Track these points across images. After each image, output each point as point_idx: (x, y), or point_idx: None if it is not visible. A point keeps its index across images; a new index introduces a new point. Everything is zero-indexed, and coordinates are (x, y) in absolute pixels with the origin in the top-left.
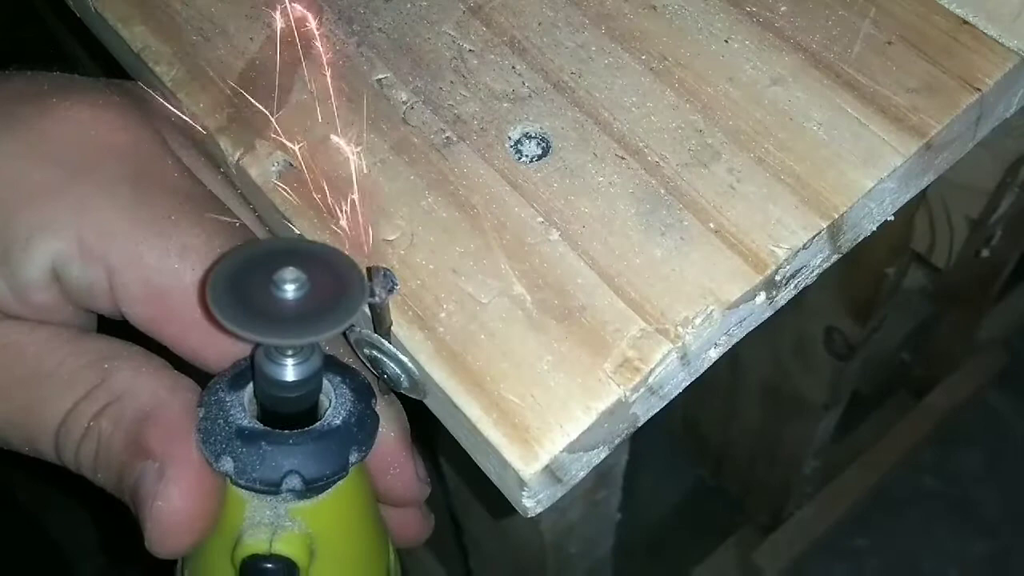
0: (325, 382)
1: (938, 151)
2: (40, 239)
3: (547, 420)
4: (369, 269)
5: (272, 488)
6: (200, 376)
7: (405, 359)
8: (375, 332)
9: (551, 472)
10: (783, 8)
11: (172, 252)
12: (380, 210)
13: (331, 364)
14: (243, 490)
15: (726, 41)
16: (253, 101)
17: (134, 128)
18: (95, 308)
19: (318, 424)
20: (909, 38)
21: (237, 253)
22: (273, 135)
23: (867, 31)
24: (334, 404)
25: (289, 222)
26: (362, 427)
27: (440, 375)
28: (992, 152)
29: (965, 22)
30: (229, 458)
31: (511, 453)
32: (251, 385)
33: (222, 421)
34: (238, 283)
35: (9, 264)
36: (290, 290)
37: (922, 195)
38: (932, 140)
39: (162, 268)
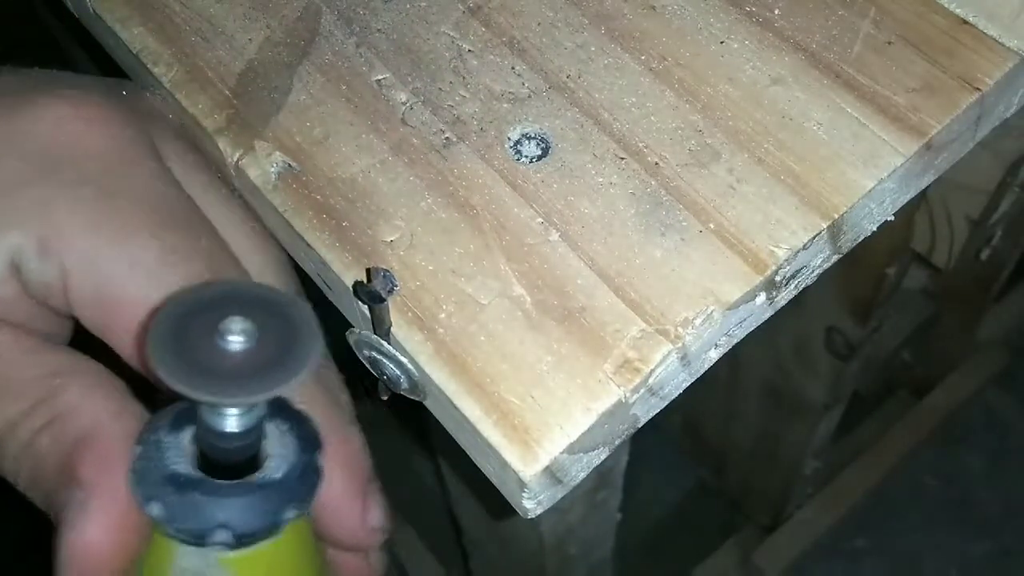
0: (271, 428)
1: (938, 151)
2: (1, 232)
3: (547, 421)
4: (369, 270)
5: (199, 540)
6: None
7: (405, 360)
8: (374, 333)
9: (551, 473)
10: (782, 8)
11: (123, 262)
12: (379, 211)
13: (281, 409)
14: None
15: (725, 41)
16: (252, 102)
17: (114, 129)
18: (53, 306)
19: (256, 476)
20: (909, 38)
21: (180, 298)
22: (272, 136)
23: (867, 31)
24: (276, 454)
25: (289, 223)
26: (303, 482)
27: (440, 376)
28: (992, 152)
29: (965, 22)
30: (159, 504)
31: (511, 454)
32: (192, 427)
33: (157, 463)
34: (181, 332)
35: None
36: (237, 341)
37: (922, 195)
38: (932, 140)
39: (112, 277)
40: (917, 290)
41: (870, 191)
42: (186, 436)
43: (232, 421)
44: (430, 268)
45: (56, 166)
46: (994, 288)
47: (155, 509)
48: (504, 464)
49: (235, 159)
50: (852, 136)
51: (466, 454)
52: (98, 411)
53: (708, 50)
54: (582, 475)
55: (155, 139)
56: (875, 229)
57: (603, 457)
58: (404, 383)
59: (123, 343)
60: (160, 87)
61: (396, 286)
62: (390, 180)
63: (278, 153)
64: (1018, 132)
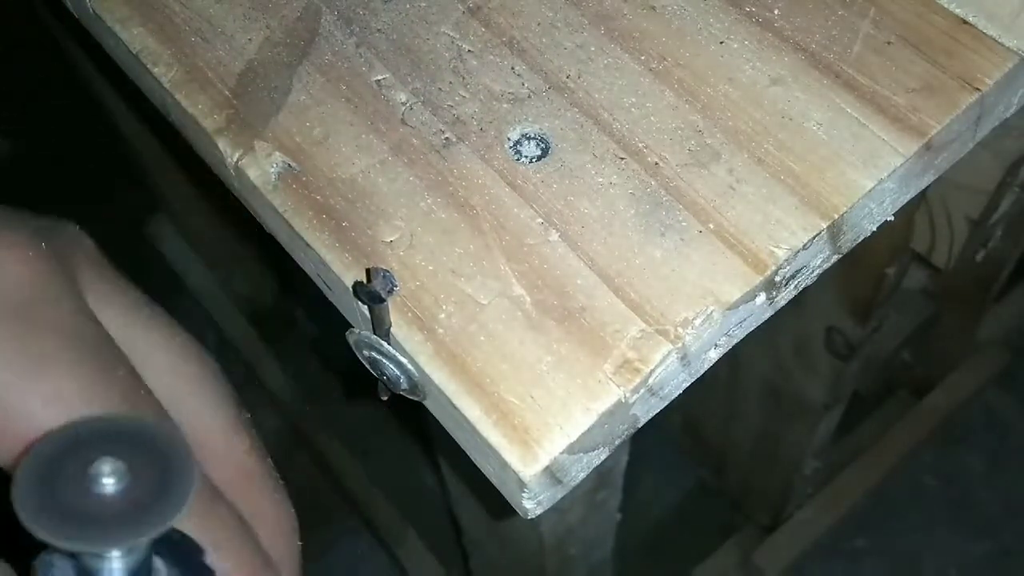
0: (163, 569)
1: (938, 151)
2: None
3: (547, 421)
4: (369, 270)
5: None
6: None
7: (404, 360)
8: (374, 333)
9: (551, 473)
10: (782, 8)
11: (37, 397)
12: (379, 211)
13: (182, 560)
14: None
15: (724, 42)
16: (251, 102)
17: (35, 265)
18: None
19: None
20: (909, 38)
21: (49, 440)
22: (272, 136)
23: (867, 31)
24: None
25: (289, 223)
26: None
27: (440, 376)
28: (992, 152)
29: (965, 22)
30: None
31: (511, 454)
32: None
33: None
34: (49, 476)
35: None
36: (107, 484)
37: (922, 195)
38: (932, 140)
39: (23, 412)
40: (917, 290)
41: (870, 191)
42: (76, 566)
43: (108, 565)
44: (430, 268)
45: None
46: (994, 288)
47: None
48: (504, 464)
49: (235, 159)
50: (852, 136)
51: (466, 454)
52: None
53: (708, 50)
54: (582, 475)
55: (75, 272)
56: (875, 229)
57: (603, 457)
58: (404, 383)
59: None
60: (160, 87)
61: (396, 286)
62: (390, 180)
63: (278, 153)
64: (1018, 132)
